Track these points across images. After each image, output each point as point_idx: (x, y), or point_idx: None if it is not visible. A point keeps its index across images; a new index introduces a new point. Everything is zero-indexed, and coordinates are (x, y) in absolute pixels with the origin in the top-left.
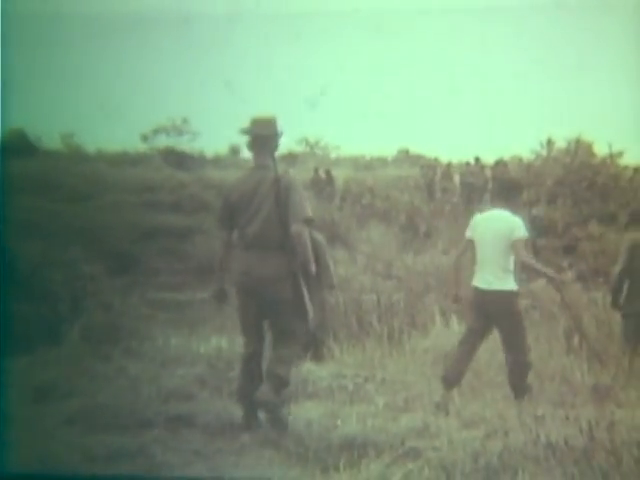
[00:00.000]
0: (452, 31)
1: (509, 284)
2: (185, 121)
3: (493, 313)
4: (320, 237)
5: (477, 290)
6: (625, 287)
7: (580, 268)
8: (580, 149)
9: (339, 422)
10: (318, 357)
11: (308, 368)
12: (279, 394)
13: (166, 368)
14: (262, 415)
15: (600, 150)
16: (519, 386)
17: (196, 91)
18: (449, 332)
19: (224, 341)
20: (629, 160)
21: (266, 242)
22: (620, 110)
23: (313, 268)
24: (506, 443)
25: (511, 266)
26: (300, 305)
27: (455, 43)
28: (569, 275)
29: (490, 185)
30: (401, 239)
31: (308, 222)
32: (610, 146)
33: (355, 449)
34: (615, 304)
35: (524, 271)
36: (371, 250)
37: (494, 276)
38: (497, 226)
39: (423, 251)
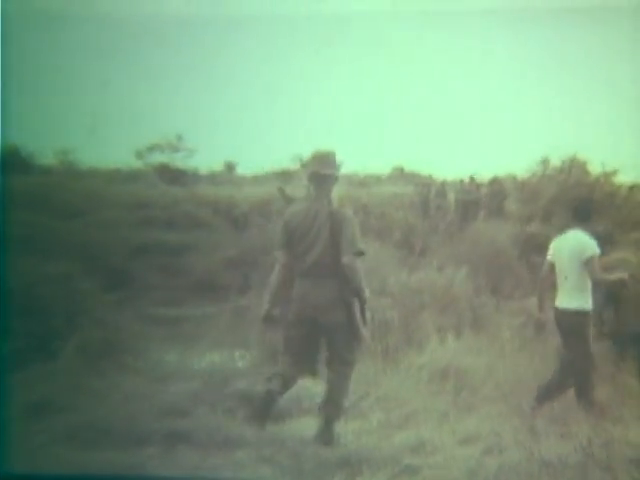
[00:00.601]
0: (447, 49)
1: (582, 304)
2: (180, 138)
3: (565, 331)
4: None
5: (556, 310)
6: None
7: None
8: (575, 167)
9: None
10: (313, 373)
11: (303, 384)
12: (332, 420)
13: (161, 384)
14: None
15: (594, 169)
16: (586, 402)
17: (191, 108)
18: (444, 349)
19: (219, 357)
20: (624, 178)
21: (321, 270)
22: (615, 129)
23: (366, 294)
24: (502, 460)
25: (588, 285)
26: (353, 330)
27: (451, 62)
28: None
29: (485, 201)
30: (396, 256)
31: (359, 254)
32: (604, 165)
33: (350, 466)
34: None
35: (599, 288)
36: (365, 267)
37: (570, 296)
38: (571, 246)
39: (418, 268)
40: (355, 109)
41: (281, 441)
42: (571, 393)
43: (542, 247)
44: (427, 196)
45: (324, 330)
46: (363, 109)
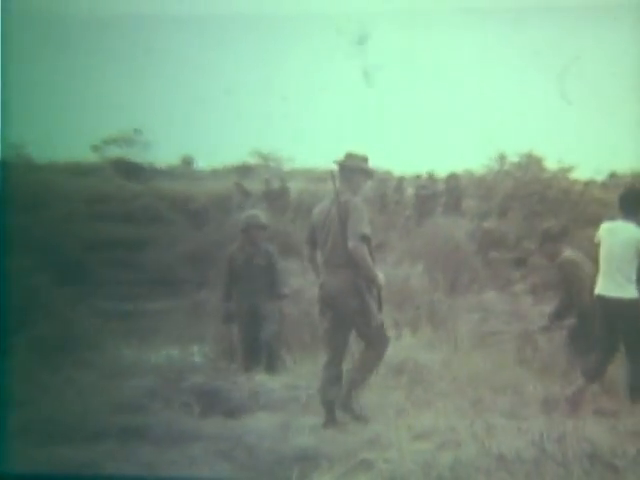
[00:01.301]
0: (405, 46)
1: (632, 292)
2: (137, 131)
3: (616, 320)
4: (271, 248)
5: (600, 298)
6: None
7: (531, 281)
8: (531, 164)
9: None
10: (271, 368)
11: (260, 379)
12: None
13: (116, 379)
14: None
15: (551, 165)
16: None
17: (149, 101)
18: (401, 344)
19: (176, 352)
20: (579, 175)
21: (335, 259)
22: (572, 125)
23: (380, 280)
24: (457, 455)
25: (634, 276)
26: (366, 314)
27: (409, 58)
28: (520, 287)
29: (443, 199)
30: None
31: (364, 239)
32: (560, 161)
33: (307, 461)
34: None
35: None
36: None
37: (617, 284)
38: (625, 237)
39: (375, 263)
40: (313, 104)
41: (238, 436)
42: (525, 388)
43: (498, 243)
44: (385, 191)
45: (346, 317)
46: (321, 104)
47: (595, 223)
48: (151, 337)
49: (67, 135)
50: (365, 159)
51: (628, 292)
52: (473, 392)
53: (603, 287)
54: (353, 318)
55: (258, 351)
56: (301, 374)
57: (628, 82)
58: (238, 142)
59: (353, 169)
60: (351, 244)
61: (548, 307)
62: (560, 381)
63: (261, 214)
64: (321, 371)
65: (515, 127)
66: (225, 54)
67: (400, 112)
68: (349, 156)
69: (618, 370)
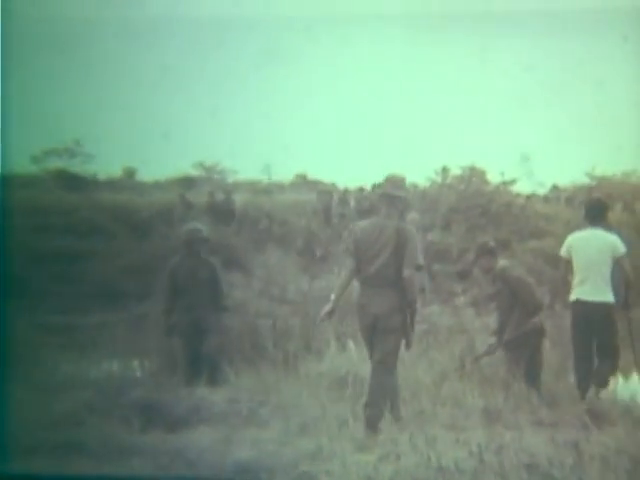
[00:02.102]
0: (345, 58)
1: (609, 296)
2: (77, 143)
3: (595, 322)
4: (214, 261)
5: (581, 303)
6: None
7: (473, 293)
8: (474, 177)
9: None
10: (212, 381)
11: (202, 393)
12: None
13: (53, 394)
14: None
15: (493, 178)
16: (600, 380)
17: (89, 112)
18: (344, 356)
19: (116, 366)
20: (521, 188)
21: (383, 281)
22: (512, 139)
23: (417, 307)
24: (398, 466)
25: (609, 279)
26: (407, 336)
27: (351, 71)
28: (462, 300)
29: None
30: (298, 264)
31: (418, 268)
32: (503, 174)
33: (248, 474)
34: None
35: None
36: (267, 274)
37: (597, 289)
38: (599, 243)
39: (319, 276)
40: (257, 116)
41: (177, 450)
42: (465, 400)
43: (442, 255)
44: (329, 204)
45: (379, 334)
46: (265, 116)
47: (537, 236)
48: (91, 351)
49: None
50: (404, 182)
51: (607, 296)
52: (415, 404)
53: (582, 292)
54: (386, 336)
55: (200, 364)
56: (243, 387)
57: (569, 96)
58: (181, 154)
59: (396, 196)
60: (407, 272)
61: (489, 319)
62: (500, 392)
63: (202, 227)
64: (368, 386)
65: (457, 140)
66: (167, 64)
67: (344, 124)
68: (391, 181)
69: (557, 381)
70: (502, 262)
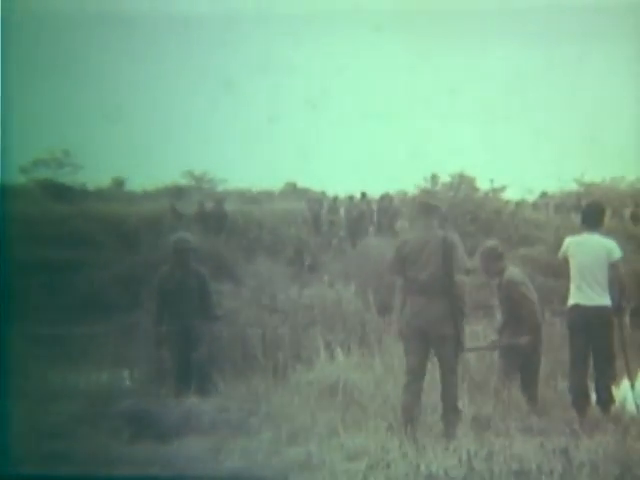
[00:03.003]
0: (337, 71)
1: (606, 300)
2: (66, 153)
3: (593, 326)
4: (203, 270)
5: (578, 307)
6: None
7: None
8: (463, 184)
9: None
10: (202, 391)
11: (191, 402)
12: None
13: (41, 404)
14: None
15: (482, 185)
16: (605, 396)
17: (77, 122)
18: (333, 365)
19: (105, 376)
20: (511, 194)
21: (433, 289)
22: (501, 146)
23: (466, 311)
24: (388, 474)
25: (606, 284)
26: (458, 339)
27: (339, 79)
28: None
29: (375, 217)
30: (287, 272)
31: (467, 273)
32: (492, 181)
33: None
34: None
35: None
36: (257, 283)
37: (595, 293)
38: (595, 248)
39: (309, 284)
40: (246, 125)
41: (167, 460)
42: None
43: None
44: (319, 212)
45: (433, 342)
46: (254, 125)
47: (527, 243)
48: (80, 361)
49: None
50: (437, 192)
51: (604, 300)
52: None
53: (580, 297)
54: (442, 343)
55: (189, 374)
56: (232, 396)
57: (559, 103)
58: (170, 163)
59: (432, 207)
60: (458, 277)
61: (477, 327)
62: (490, 399)
63: (190, 236)
64: (403, 393)
65: (447, 147)
66: (155, 74)
67: (334, 133)
68: (427, 193)
69: (547, 388)
70: (510, 270)
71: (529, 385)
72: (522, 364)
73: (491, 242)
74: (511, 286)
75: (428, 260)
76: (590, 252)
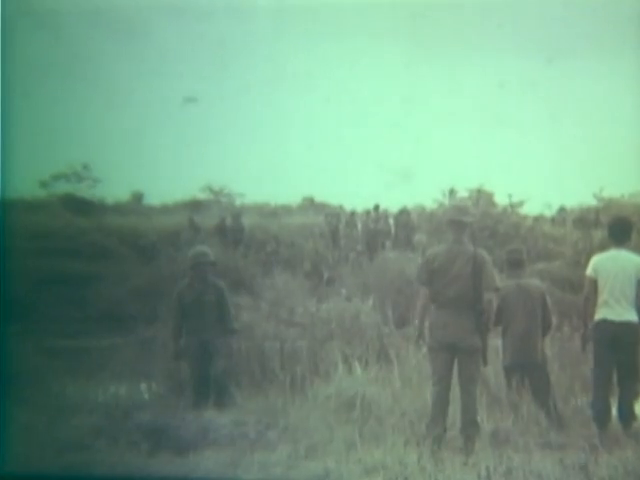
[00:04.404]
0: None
1: (634, 316)
2: (85, 167)
3: (620, 341)
4: (221, 284)
5: (607, 322)
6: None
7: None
8: (482, 199)
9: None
10: (220, 404)
11: (209, 416)
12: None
13: (60, 418)
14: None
15: (501, 200)
16: (627, 413)
17: (97, 136)
18: (351, 379)
19: (124, 389)
20: (529, 209)
21: (461, 304)
22: (519, 160)
23: (493, 325)
24: None
25: (634, 299)
26: (484, 353)
27: (356, 91)
28: None
29: (393, 232)
30: (305, 286)
31: (496, 290)
32: (510, 196)
33: None
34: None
35: None
36: (275, 297)
37: (623, 308)
38: (625, 264)
39: (326, 298)
40: (265, 139)
41: (185, 474)
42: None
43: None
44: (337, 226)
45: (459, 354)
46: (273, 139)
47: (545, 258)
48: (98, 374)
49: (15, 171)
50: (469, 208)
51: (632, 315)
52: (422, 426)
53: (609, 312)
54: (468, 356)
55: (207, 387)
56: (250, 410)
57: (577, 117)
58: (189, 177)
59: (462, 222)
60: (487, 295)
61: (497, 341)
62: (508, 415)
63: (209, 250)
64: (432, 404)
65: (465, 162)
66: (174, 88)
67: (351, 147)
68: (457, 207)
69: (566, 404)
70: (535, 282)
71: (543, 400)
72: (530, 379)
73: (515, 246)
74: (531, 289)
75: (458, 275)
76: (619, 267)
